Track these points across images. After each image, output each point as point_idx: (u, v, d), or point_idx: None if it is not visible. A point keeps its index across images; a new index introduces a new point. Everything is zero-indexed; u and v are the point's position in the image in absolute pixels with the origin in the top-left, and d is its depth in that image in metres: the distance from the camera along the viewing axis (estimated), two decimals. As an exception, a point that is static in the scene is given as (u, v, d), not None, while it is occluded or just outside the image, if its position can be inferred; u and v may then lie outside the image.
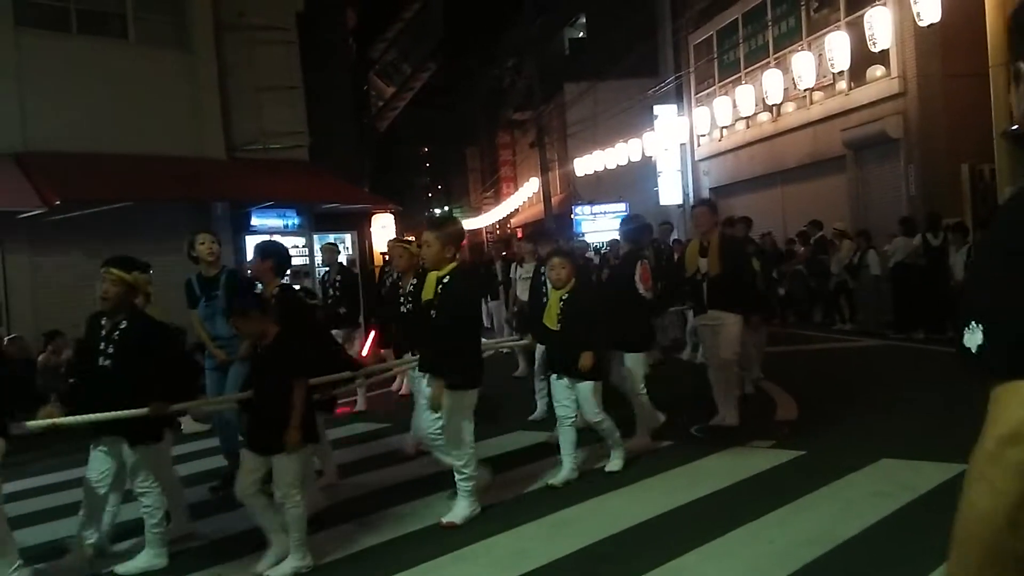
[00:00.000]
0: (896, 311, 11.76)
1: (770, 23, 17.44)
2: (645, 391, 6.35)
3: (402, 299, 6.09)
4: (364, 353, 9.56)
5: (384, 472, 6.21)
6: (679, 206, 21.88)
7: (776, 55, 17.01)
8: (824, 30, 15.04)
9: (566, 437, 5.65)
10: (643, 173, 22.21)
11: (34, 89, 11.79)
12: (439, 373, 4.85)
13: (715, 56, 19.96)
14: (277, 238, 14.57)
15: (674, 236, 14.30)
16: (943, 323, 10.84)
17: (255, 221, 13.97)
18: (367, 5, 22.82)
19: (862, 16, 13.22)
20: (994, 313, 1.16)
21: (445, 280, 4.91)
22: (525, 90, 29.70)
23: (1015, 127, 11.75)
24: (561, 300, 5.67)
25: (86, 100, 12.12)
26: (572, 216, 24.16)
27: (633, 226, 6.96)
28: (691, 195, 21.79)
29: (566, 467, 5.60)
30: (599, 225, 22.72)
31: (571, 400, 5.63)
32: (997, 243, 1.17)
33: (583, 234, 22.63)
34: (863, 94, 14.66)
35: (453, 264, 4.98)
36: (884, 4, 13.02)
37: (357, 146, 19.77)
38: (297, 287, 7.00)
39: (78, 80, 12.17)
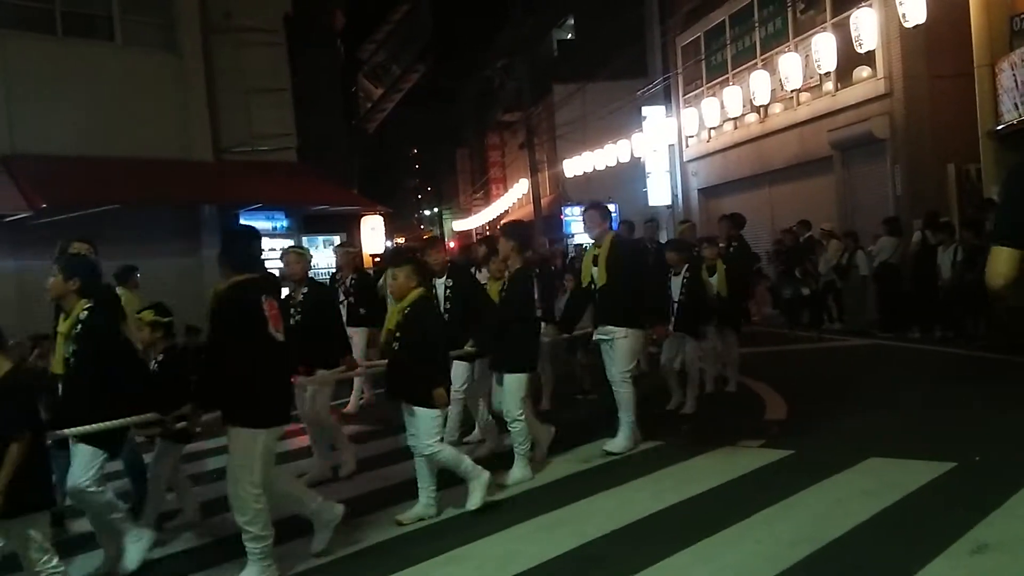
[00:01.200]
0: (881, 311, 11.83)
1: (757, 24, 17.51)
2: (522, 416, 5.68)
3: None
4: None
5: (376, 474, 6.19)
6: (668, 207, 21.95)
7: (763, 56, 17.07)
8: (810, 31, 15.11)
9: (418, 470, 5.10)
10: (632, 174, 22.26)
11: (20, 92, 11.73)
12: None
13: (703, 57, 20.01)
14: (266, 240, 14.59)
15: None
16: (932, 322, 10.91)
17: (243, 223, 13.91)
18: (355, 7, 22.79)
19: (848, 17, 13.29)
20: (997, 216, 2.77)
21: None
22: (514, 91, 29.75)
23: (1000, 127, 11.86)
24: (400, 314, 5.07)
25: (72, 103, 12.06)
26: (561, 217, 24.19)
27: (518, 229, 6.44)
28: (680, 196, 21.85)
29: (421, 501, 5.03)
30: (588, 226, 22.75)
31: (413, 428, 5.03)
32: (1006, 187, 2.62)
33: (572, 235, 22.70)
34: (849, 95, 14.73)
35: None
36: (870, 5, 13.08)
37: (346, 148, 19.75)
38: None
39: (64, 82, 12.11)
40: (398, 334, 5.03)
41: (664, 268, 7.64)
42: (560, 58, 29.32)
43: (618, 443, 6.14)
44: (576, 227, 22.93)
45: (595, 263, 6.26)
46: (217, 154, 13.91)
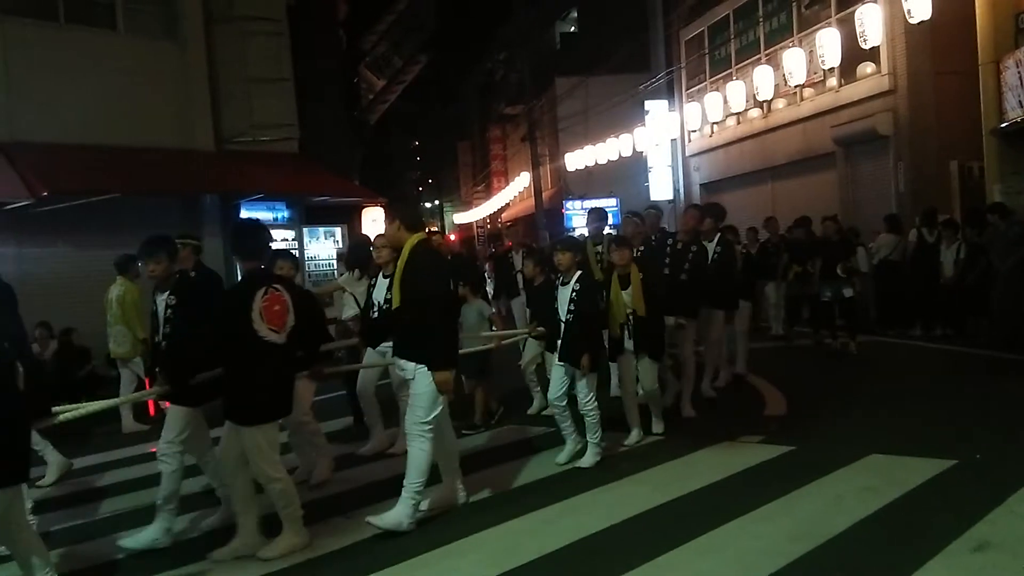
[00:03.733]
0: (880, 308, 11.81)
1: (761, 19, 17.46)
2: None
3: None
4: None
5: (374, 467, 6.19)
6: (670, 202, 21.92)
7: (767, 51, 17.03)
8: (815, 27, 15.06)
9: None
10: (634, 168, 22.23)
11: (21, 79, 11.67)
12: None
13: (706, 52, 19.97)
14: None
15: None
16: (933, 320, 10.89)
17: (244, 214, 13.89)
18: (358, -3, 22.71)
19: (853, 13, 13.24)
20: None
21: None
22: (516, 84, 29.68)
23: (1004, 124, 11.83)
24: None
25: (74, 91, 12.01)
26: (563, 211, 24.17)
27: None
28: (682, 191, 21.82)
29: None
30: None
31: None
32: None
33: (574, 229, 22.68)
34: (853, 91, 14.70)
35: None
36: (875, 1, 13.03)
37: (347, 139, 19.70)
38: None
39: (66, 70, 12.04)
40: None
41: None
42: (563, 51, 29.25)
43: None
44: (578, 221, 22.91)
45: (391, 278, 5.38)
46: (219, 144, 13.86)
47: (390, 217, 5.25)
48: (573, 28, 30.41)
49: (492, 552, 4.33)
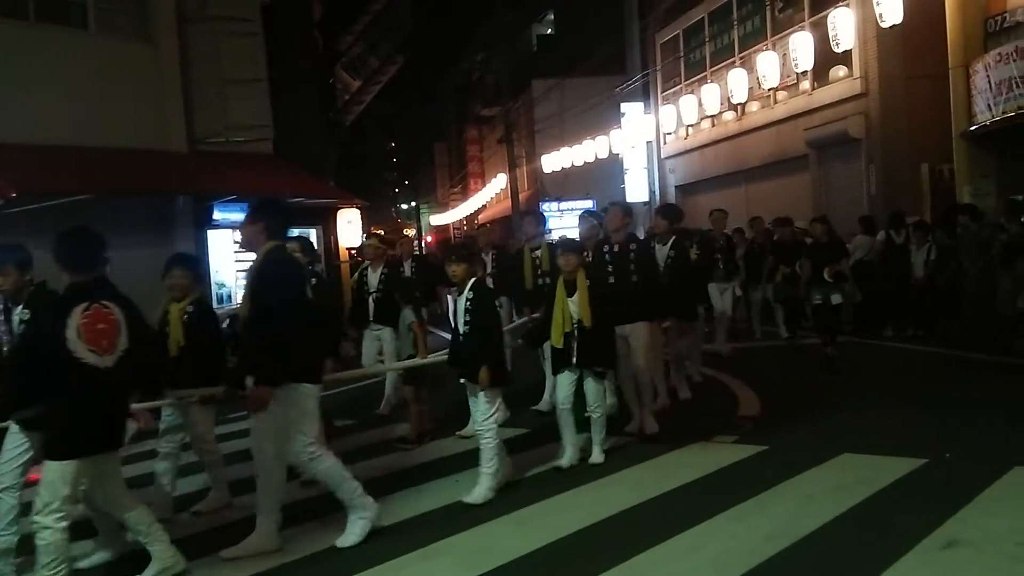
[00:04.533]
0: (856, 309, 11.91)
1: (736, 22, 17.61)
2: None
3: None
4: None
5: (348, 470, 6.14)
6: (645, 203, 22.02)
7: (741, 54, 17.18)
8: (788, 30, 15.22)
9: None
10: (610, 170, 22.32)
11: (-11, 78, 11.49)
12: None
13: (681, 55, 20.11)
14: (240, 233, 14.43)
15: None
16: (905, 321, 11.02)
17: (218, 215, 13.76)
18: (334, -3, 22.62)
19: (826, 17, 13.39)
20: None
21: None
22: (493, 86, 29.71)
23: (974, 128, 12.01)
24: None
25: (44, 90, 11.83)
26: (541, 212, 24.17)
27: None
28: (657, 192, 21.94)
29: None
30: (567, 222, 22.77)
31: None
32: None
33: (551, 230, 22.70)
34: (826, 94, 14.86)
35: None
36: (847, 5, 13.20)
37: (323, 140, 19.59)
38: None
39: (36, 70, 11.86)
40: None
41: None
42: (539, 53, 29.33)
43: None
44: (554, 223, 22.94)
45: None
46: (192, 145, 13.72)
47: (252, 216, 4.60)
48: (550, 30, 30.49)
49: (467, 554, 4.32)
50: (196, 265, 5.60)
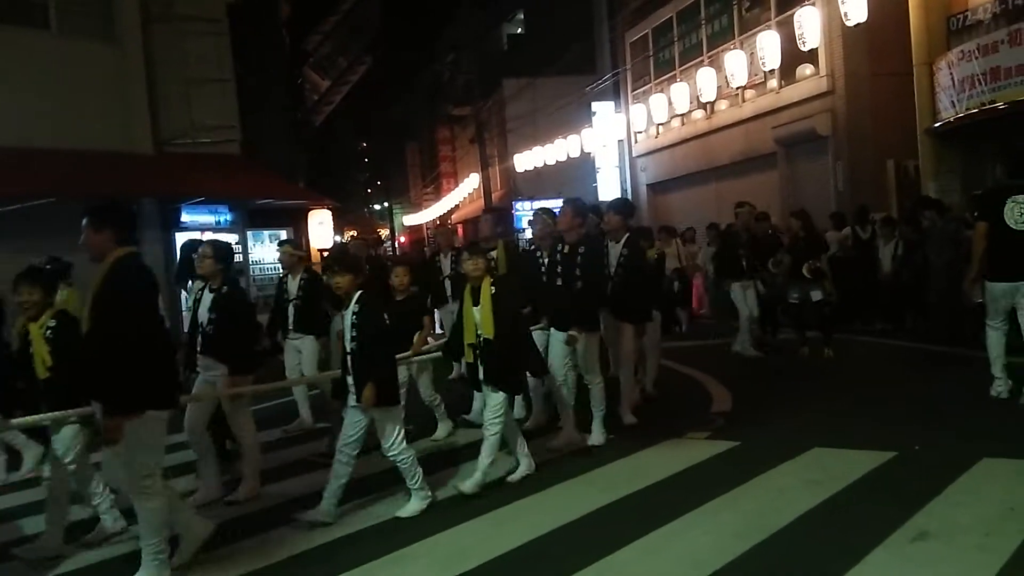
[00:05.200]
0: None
1: (704, 22, 17.72)
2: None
3: None
4: None
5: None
6: (617, 202, 22.08)
7: (710, 53, 17.29)
8: (755, 29, 15.35)
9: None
10: (582, 169, 22.37)
11: (-52, 79, 11.28)
12: None
13: (651, 54, 20.20)
14: (209, 235, 14.31)
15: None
16: (873, 314, 11.16)
17: (185, 218, 13.63)
18: (302, -3, 22.46)
19: (792, 16, 13.51)
20: None
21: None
22: (464, 85, 29.66)
23: (938, 124, 12.19)
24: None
25: (6, 92, 11.65)
26: (512, 212, 24.20)
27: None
28: (629, 191, 22.01)
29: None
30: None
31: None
32: None
33: (523, 229, 22.72)
34: (793, 92, 15.00)
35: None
36: (813, 4, 13.32)
37: (292, 141, 19.45)
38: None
39: (-3, 71, 11.68)
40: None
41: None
42: (510, 52, 29.32)
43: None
44: (527, 222, 22.96)
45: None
46: (157, 146, 13.58)
47: (96, 224, 4.14)
48: (520, 30, 30.51)
49: (442, 556, 4.29)
50: (47, 278, 5.20)
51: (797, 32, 13.10)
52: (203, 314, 5.53)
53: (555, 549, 4.27)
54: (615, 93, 21.88)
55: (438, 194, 39.33)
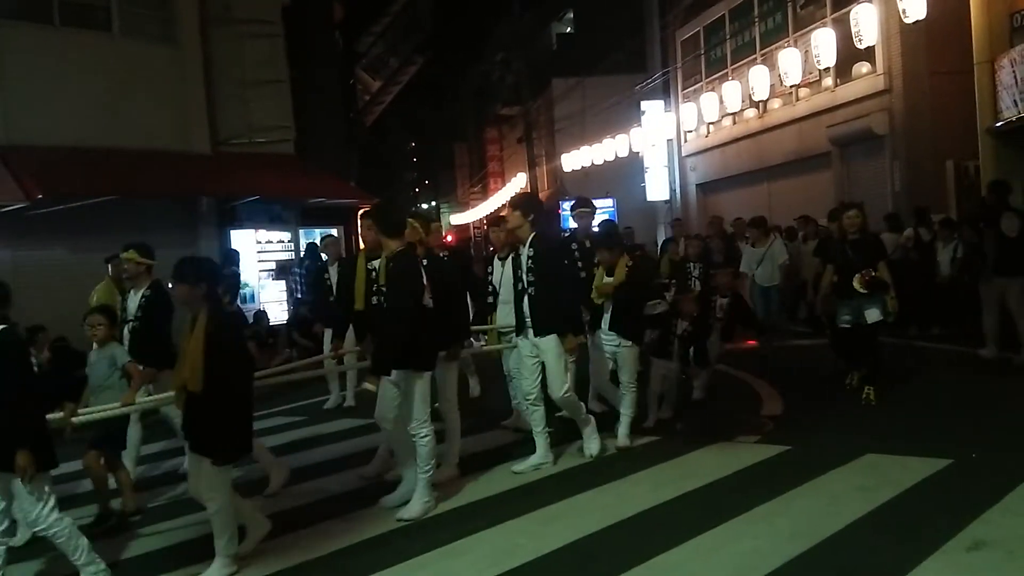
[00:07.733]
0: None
1: (757, 19, 17.48)
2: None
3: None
4: None
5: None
6: (666, 202, 21.94)
7: (763, 51, 17.05)
8: (810, 26, 15.09)
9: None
10: (630, 169, 22.26)
11: (15, 82, 11.66)
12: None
13: (702, 52, 19.99)
14: (263, 232, 14.59)
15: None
16: (931, 319, 10.89)
17: (241, 216, 13.90)
18: (354, -1, 22.75)
19: (848, 13, 13.26)
20: None
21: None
22: (513, 85, 29.71)
23: (1000, 124, 11.84)
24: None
25: (69, 93, 12.01)
26: (559, 211, 24.19)
27: None
28: (678, 191, 21.85)
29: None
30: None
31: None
32: None
33: (570, 229, 22.69)
34: (849, 91, 14.72)
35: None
36: (870, 1, 13.05)
37: (343, 140, 19.72)
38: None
39: (61, 73, 12.04)
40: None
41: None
42: (559, 52, 29.29)
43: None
44: (573, 223, 22.92)
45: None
46: (215, 146, 13.87)
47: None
48: (569, 29, 30.44)
49: (489, 553, 4.33)
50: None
51: (853, 29, 12.85)
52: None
53: (601, 549, 4.28)
54: (665, 92, 21.72)
55: (485, 193, 39.45)
